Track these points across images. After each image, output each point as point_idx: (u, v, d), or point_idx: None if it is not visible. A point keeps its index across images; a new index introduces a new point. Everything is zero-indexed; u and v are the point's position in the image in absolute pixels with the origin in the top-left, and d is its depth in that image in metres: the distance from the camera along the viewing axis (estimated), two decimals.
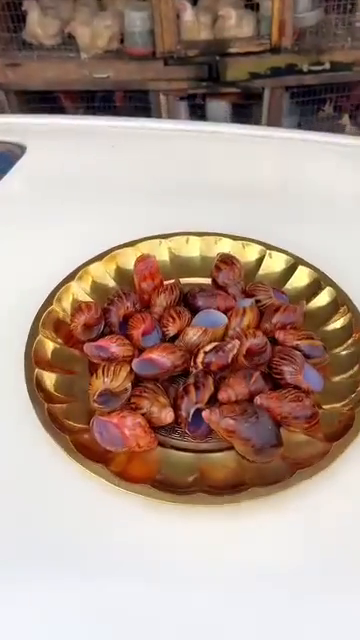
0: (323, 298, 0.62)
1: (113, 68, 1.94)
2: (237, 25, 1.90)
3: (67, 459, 0.48)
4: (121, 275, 0.65)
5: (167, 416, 0.50)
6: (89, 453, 0.48)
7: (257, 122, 2.09)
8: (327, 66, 1.96)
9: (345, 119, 2.20)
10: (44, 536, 0.46)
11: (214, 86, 1.99)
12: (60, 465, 0.49)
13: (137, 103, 2.08)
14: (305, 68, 1.96)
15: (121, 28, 1.92)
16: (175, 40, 1.90)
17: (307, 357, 0.56)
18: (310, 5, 1.94)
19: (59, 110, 2.08)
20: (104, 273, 0.65)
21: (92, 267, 0.64)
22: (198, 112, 2.11)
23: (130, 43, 1.92)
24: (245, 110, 2.12)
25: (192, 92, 2.02)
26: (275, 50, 1.92)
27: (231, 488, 0.46)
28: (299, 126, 2.17)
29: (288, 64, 1.94)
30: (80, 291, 0.62)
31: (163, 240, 0.67)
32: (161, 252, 0.67)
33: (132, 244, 0.67)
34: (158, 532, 0.46)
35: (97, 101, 2.10)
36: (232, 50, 1.92)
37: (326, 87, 2.06)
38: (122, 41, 1.94)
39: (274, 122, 2.07)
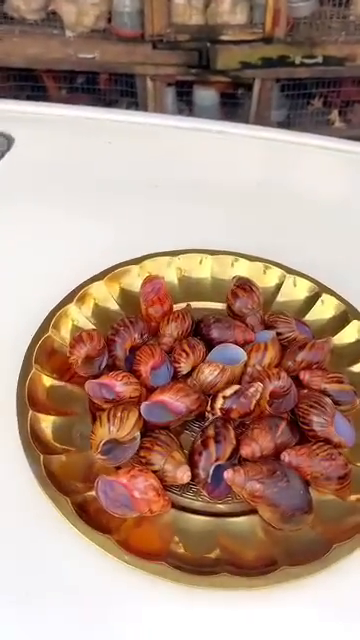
0: (350, 333, 0.56)
1: (99, 49, 1.83)
2: (230, 11, 1.82)
3: (66, 523, 0.42)
4: (125, 297, 0.58)
5: (184, 476, 0.43)
6: (91, 518, 0.42)
7: (245, 113, 2.02)
8: (319, 60, 1.89)
9: (334, 115, 2.15)
10: (39, 613, 0.39)
11: (204, 73, 1.90)
12: (57, 528, 0.42)
13: (122, 87, 1.97)
14: (297, 60, 1.89)
15: (109, 7, 1.82)
16: (165, 23, 1.80)
17: (335, 403, 0.49)
18: None
19: (40, 89, 1.97)
20: (107, 295, 0.57)
21: (93, 287, 0.56)
22: (185, 99, 2.02)
23: (118, 23, 1.82)
24: (233, 100, 2.05)
25: (181, 79, 1.93)
26: (268, 40, 1.84)
27: (260, 567, 0.40)
28: (288, 119, 2.11)
29: (280, 55, 1.87)
30: (80, 316, 0.55)
31: (172, 258, 0.60)
32: (169, 272, 0.59)
33: (137, 261, 0.59)
34: (171, 615, 0.40)
35: (80, 82, 1.99)
36: (224, 37, 1.84)
37: (317, 82, 2.00)
38: (110, 20, 1.84)
39: (263, 114, 2.01)
